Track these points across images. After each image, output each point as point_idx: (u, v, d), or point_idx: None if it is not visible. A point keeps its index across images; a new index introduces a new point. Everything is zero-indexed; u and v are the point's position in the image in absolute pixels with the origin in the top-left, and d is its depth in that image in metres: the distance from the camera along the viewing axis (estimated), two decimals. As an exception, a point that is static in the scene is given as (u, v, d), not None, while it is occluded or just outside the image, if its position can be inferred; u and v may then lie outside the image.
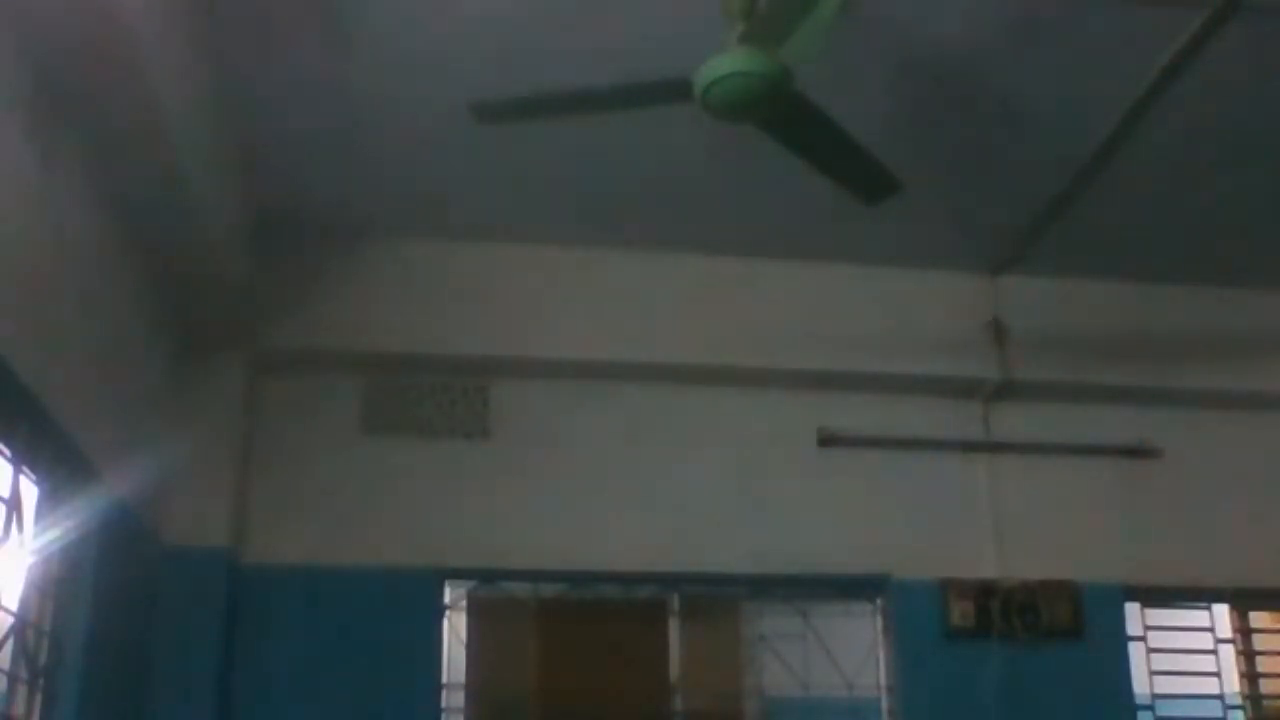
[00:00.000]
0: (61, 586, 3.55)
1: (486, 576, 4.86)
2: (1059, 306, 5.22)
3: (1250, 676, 5.21)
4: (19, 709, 3.28)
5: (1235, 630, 5.27)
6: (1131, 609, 5.12)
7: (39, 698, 3.39)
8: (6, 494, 3.16)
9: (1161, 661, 5.10)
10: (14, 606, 3.22)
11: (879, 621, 5.06)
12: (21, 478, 3.23)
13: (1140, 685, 5.04)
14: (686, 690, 4.88)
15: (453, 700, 4.78)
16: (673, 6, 3.49)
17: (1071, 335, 5.19)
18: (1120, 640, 5.05)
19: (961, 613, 4.92)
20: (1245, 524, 5.19)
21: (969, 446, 5.17)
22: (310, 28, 3.59)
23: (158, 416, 4.28)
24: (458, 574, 4.81)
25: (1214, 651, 5.18)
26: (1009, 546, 5.03)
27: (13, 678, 3.25)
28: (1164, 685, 5.09)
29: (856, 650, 4.99)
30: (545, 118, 3.67)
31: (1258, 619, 5.32)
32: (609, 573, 4.87)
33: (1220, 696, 5.13)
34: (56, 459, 3.41)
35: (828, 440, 5.09)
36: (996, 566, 5.00)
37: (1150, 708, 5.05)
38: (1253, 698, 5.19)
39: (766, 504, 4.95)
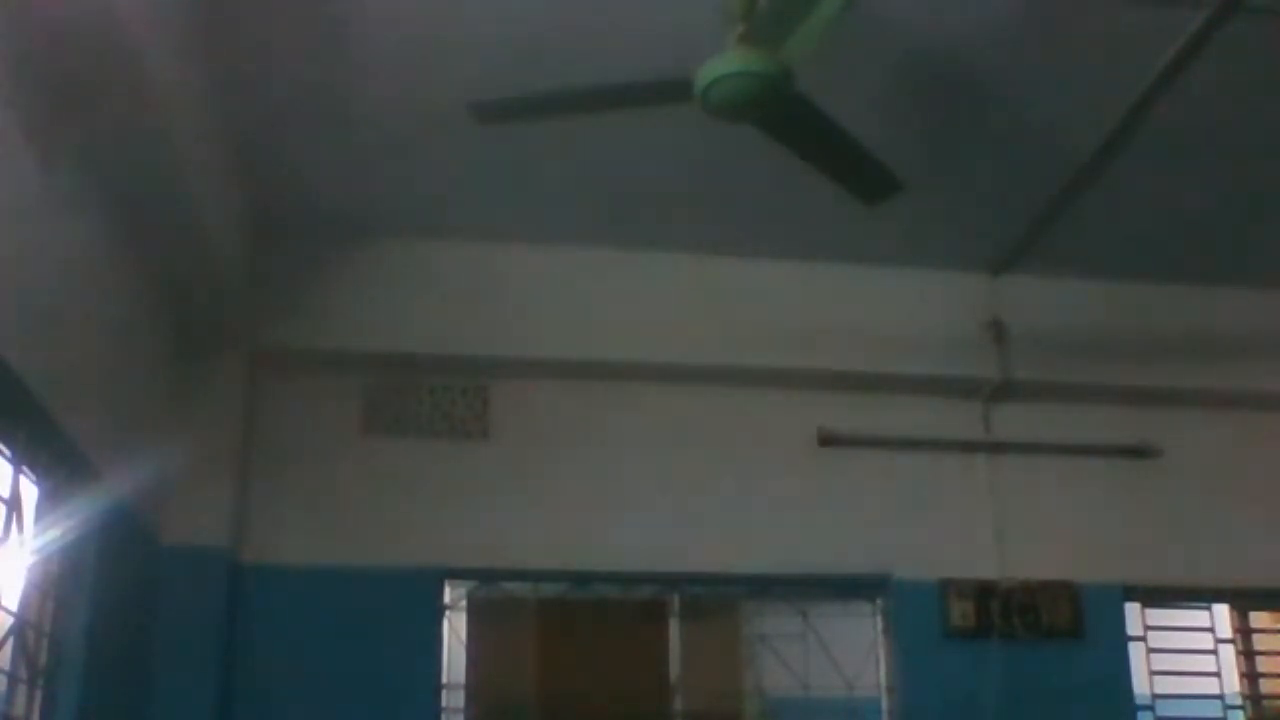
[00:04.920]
0: (61, 586, 3.55)
1: (486, 576, 4.86)
2: (1059, 306, 5.22)
3: (1250, 676, 5.21)
4: (19, 709, 3.28)
5: (1235, 630, 5.27)
6: (1131, 609, 5.12)
7: (39, 697, 3.39)
8: (6, 494, 3.16)
9: (1161, 661, 5.10)
10: (14, 606, 3.22)
11: (879, 621, 5.05)
12: (21, 478, 3.23)
13: (1140, 685, 5.03)
14: (686, 690, 4.87)
15: (453, 700, 4.78)
16: (673, 6, 3.49)
17: (1071, 335, 5.18)
18: (1120, 640, 5.05)
19: (961, 613, 4.92)
20: (1245, 524, 5.19)
21: (969, 446, 5.17)
22: (310, 28, 3.59)
23: (158, 416, 4.28)
24: (458, 574, 4.81)
25: (1214, 651, 5.18)
26: (1009, 546, 5.03)
27: (13, 678, 3.25)
28: (1164, 685, 5.09)
29: (856, 650, 4.98)
30: (545, 118, 3.67)
31: (1258, 619, 5.32)
32: (609, 573, 4.86)
33: (1220, 696, 5.12)
34: (56, 459, 3.41)
35: (828, 440, 5.08)
36: (996, 566, 4.99)
37: (1150, 708, 5.05)
38: (1253, 698, 5.19)
39: (766, 504, 4.94)
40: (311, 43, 3.67)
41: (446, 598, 4.81)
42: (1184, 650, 5.15)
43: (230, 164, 4.09)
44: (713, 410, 5.04)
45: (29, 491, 3.33)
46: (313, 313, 4.75)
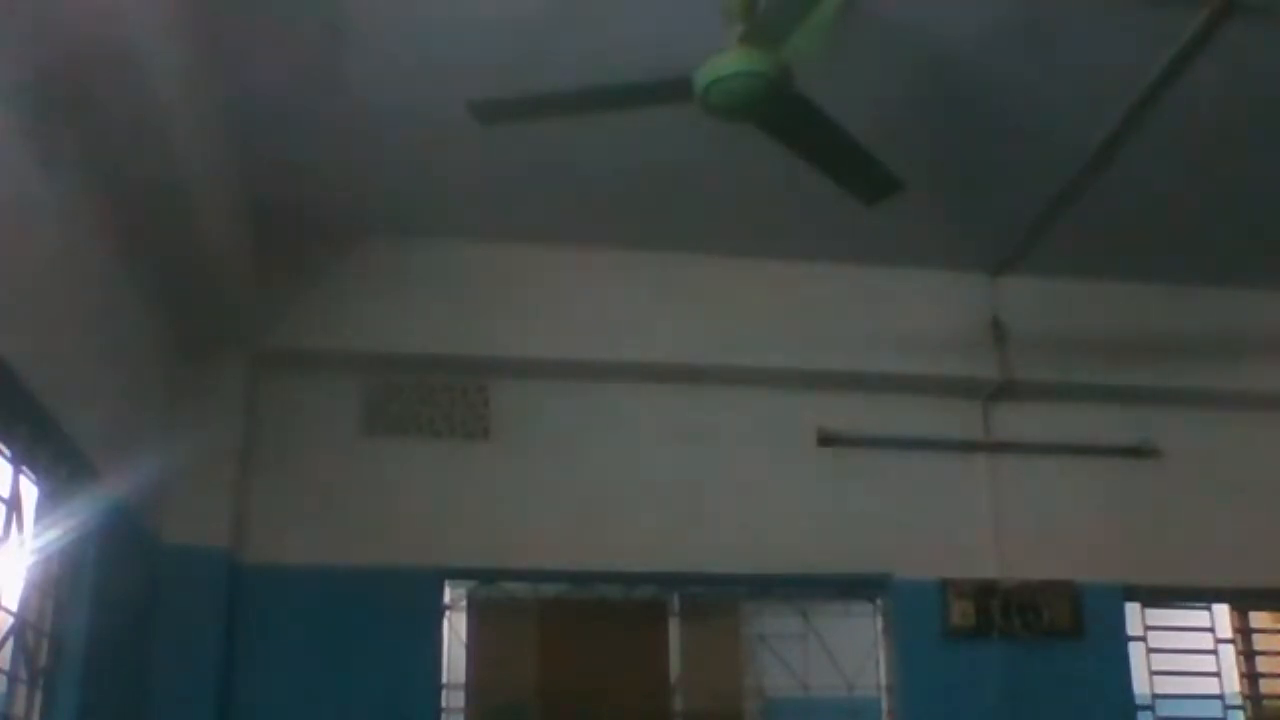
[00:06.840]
0: (61, 586, 3.56)
1: (486, 576, 4.87)
2: (1059, 306, 5.22)
3: (1250, 676, 5.21)
4: (19, 709, 3.28)
5: (1235, 630, 5.27)
6: (1131, 609, 5.13)
7: (39, 698, 3.39)
8: (6, 494, 3.16)
9: (1161, 661, 5.10)
10: (14, 606, 3.22)
11: (879, 621, 5.06)
12: (21, 478, 3.23)
13: (1140, 685, 5.04)
14: (686, 690, 4.88)
15: (453, 700, 4.78)
16: (673, 6, 3.49)
17: (1071, 335, 5.19)
18: (1120, 640, 5.06)
19: (961, 613, 4.92)
20: (1245, 524, 5.19)
21: (969, 446, 5.17)
22: (311, 28, 3.59)
23: (158, 416, 4.28)
24: (458, 574, 4.81)
25: (1214, 651, 5.19)
26: (1009, 546, 5.03)
27: (13, 678, 3.25)
28: (1164, 685, 5.09)
29: (856, 650, 4.99)
30: (545, 118, 3.67)
31: (1258, 619, 5.33)
32: (609, 573, 4.86)
33: (1220, 696, 5.13)
34: (56, 459, 3.41)
35: (828, 440, 5.08)
36: (996, 566, 5.00)
37: (1150, 708, 5.05)
38: (1253, 698, 5.19)
39: (766, 504, 4.95)
40: (312, 44, 3.66)
41: (446, 598, 4.82)
42: (1184, 650, 5.16)
43: (230, 165, 4.09)
44: (713, 410, 5.04)
45: (29, 491, 3.33)
46: (313, 313, 4.75)
